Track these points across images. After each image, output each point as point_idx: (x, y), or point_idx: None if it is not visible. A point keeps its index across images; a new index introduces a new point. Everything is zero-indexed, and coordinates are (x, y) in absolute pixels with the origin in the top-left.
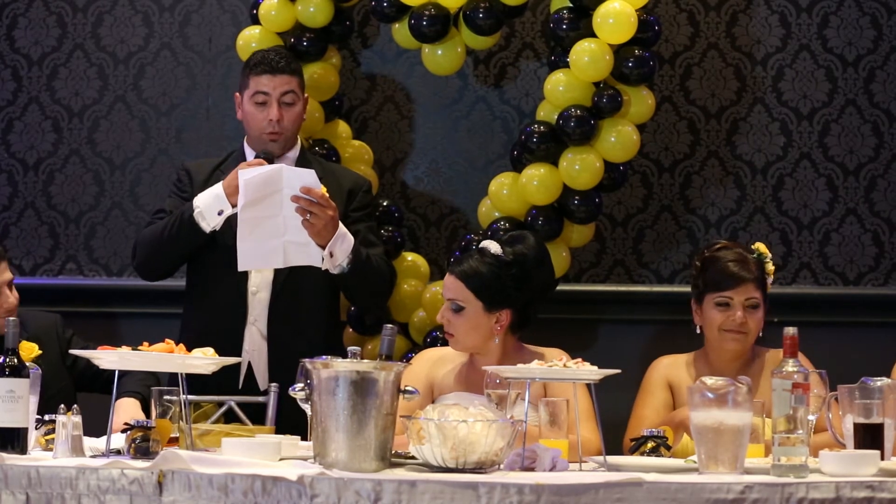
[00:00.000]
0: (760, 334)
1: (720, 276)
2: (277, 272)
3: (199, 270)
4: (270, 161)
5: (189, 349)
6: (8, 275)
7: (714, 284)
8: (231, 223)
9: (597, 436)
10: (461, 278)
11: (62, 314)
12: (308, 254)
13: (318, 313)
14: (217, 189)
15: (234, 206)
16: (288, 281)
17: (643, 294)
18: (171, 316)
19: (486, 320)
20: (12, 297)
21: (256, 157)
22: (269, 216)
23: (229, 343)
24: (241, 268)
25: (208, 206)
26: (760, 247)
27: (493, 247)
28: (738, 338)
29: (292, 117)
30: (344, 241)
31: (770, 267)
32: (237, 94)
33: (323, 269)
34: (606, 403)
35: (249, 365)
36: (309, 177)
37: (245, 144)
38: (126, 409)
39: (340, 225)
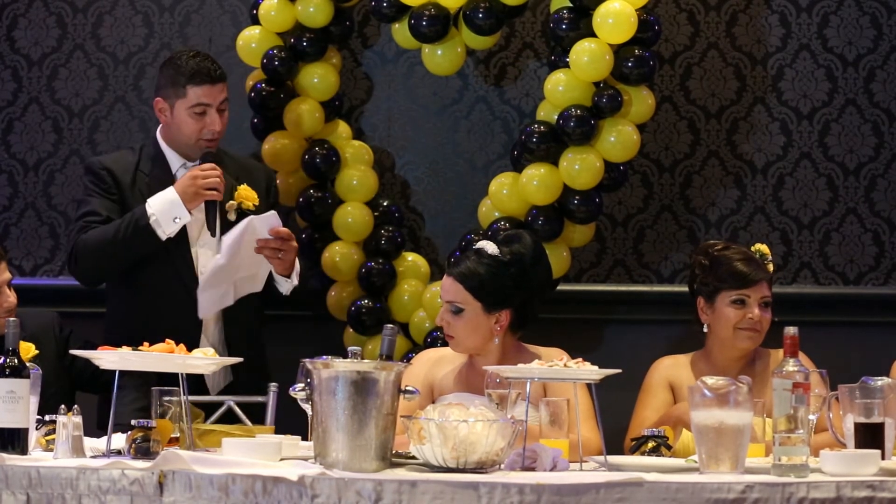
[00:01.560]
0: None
1: (736, 274)
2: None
3: (138, 273)
4: (219, 159)
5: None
6: (7, 275)
7: (730, 282)
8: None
9: (597, 435)
10: (459, 280)
11: (63, 315)
12: (253, 284)
13: (252, 311)
14: (171, 195)
15: (190, 212)
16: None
17: (643, 294)
18: None
19: (485, 321)
20: (12, 296)
21: (203, 160)
22: (229, 265)
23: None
24: (201, 315)
25: (164, 214)
26: (762, 248)
27: (489, 247)
28: (752, 336)
29: (225, 121)
30: (297, 262)
31: (770, 267)
32: (159, 98)
33: (283, 292)
34: (607, 403)
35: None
36: (273, 220)
37: (162, 143)
38: None
39: None
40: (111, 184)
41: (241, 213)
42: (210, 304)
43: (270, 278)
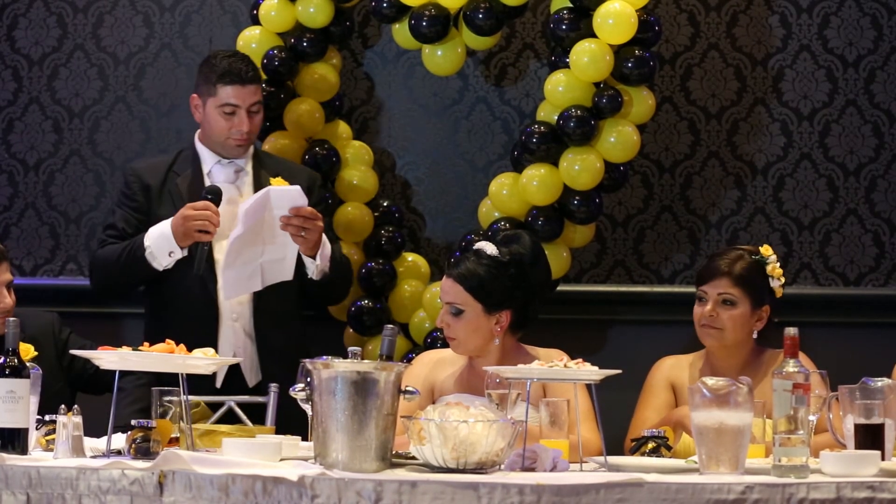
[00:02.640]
0: (755, 335)
1: (702, 270)
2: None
3: (160, 278)
4: (219, 198)
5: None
6: (8, 276)
7: (696, 279)
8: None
9: (597, 436)
10: (459, 281)
11: (63, 314)
12: (282, 271)
13: (296, 308)
14: (166, 229)
15: (182, 248)
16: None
17: (644, 295)
18: None
19: (486, 322)
20: (9, 298)
21: (205, 195)
22: (251, 242)
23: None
24: (224, 298)
25: (159, 248)
26: (764, 249)
27: (488, 248)
28: (711, 333)
29: (257, 123)
30: (325, 246)
31: (776, 270)
32: (195, 95)
33: (310, 275)
34: (608, 404)
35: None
36: (295, 194)
37: (198, 143)
38: None
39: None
40: (136, 191)
41: None
42: (234, 284)
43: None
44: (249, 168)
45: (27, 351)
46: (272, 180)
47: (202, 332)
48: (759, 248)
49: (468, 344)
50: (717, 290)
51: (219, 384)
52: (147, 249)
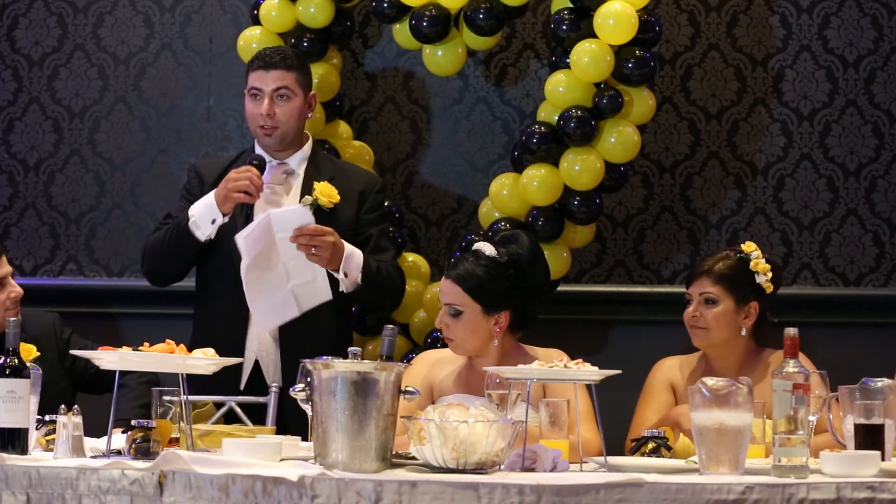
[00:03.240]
0: (745, 332)
1: (688, 273)
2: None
3: (203, 273)
4: (262, 165)
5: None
6: (8, 268)
7: (685, 282)
8: (228, 227)
9: (597, 436)
10: (457, 282)
11: (63, 315)
12: (316, 292)
13: (328, 312)
14: (209, 198)
15: (224, 214)
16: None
17: (644, 295)
18: (172, 316)
19: (485, 323)
20: (17, 287)
21: (249, 163)
22: (270, 268)
23: (234, 344)
24: (261, 328)
25: (202, 216)
26: (747, 245)
27: (487, 248)
28: (696, 333)
29: (287, 112)
30: (353, 258)
31: (760, 265)
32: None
33: (341, 289)
34: (608, 404)
35: (256, 364)
36: (299, 215)
37: (256, 145)
38: None
39: (346, 244)
40: (195, 185)
41: (317, 210)
42: (268, 314)
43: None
44: (302, 171)
45: (29, 351)
46: (316, 185)
47: (231, 332)
48: (742, 244)
49: (467, 345)
50: (699, 289)
51: (242, 385)
52: (191, 219)
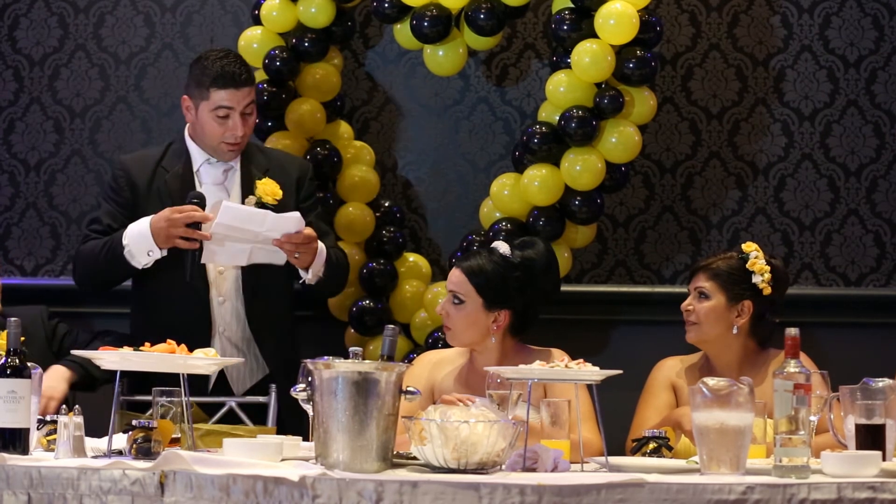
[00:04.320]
0: (735, 330)
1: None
2: (242, 279)
3: (151, 274)
4: (202, 203)
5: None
6: None
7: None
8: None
9: (597, 437)
10: (466, 273)
11: (64, 314)
12: (272, 254)
13: (288, 310)
14: (144, 229)
15: (161, 249)
16: (256, 285)
17: (645, 295)
18: None
19: (483, 317)
20: None
21: (189, 201)
22: (242, 239)
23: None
24: (204, 260)
25: (137, 248)
26: (746, 245)
27: (502, 247)
28: (688, 327)
29: (251, 126)
30: (320, 256)
31: (757, 265)
32: (186, 97)
33: (301, 282)
34: (609, 404)
35: (221, 372)
36: (293, 223)
37: (188, 139)
38: (52, 376)
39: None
40: (123, 186)
41: (263, 208)
42: (215, 254)
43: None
44: (238, 165)
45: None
46: (258, 184)
47: (195, 341)
48: (743, 245)
49: (463, 336)
50: (695, 284)
51: (209, 389)
52: (125, 248)
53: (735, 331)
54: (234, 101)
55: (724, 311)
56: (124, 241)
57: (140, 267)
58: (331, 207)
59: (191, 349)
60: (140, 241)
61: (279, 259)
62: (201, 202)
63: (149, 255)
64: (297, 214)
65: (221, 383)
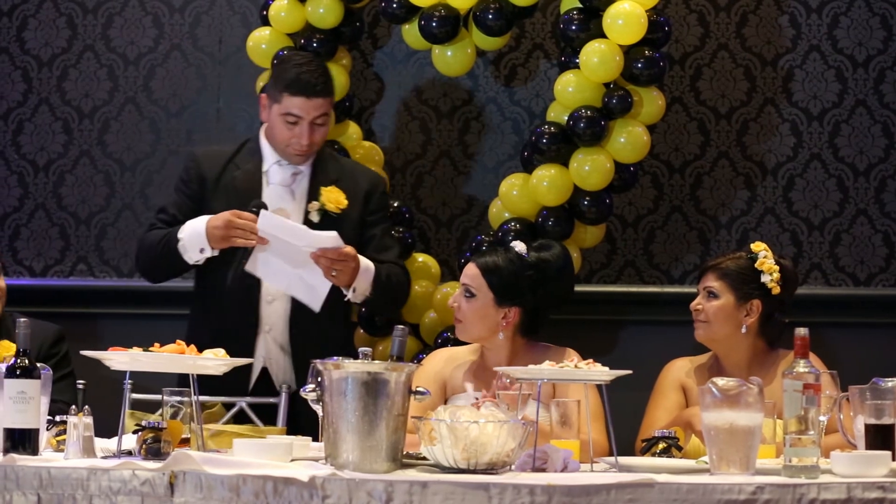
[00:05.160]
0: (744, 329)
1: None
2: None
3: (208, 273)
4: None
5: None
6: None
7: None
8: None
9: (604, 437)
10: (480, 268)
11: (72, 316)
12: (312, 295)
13: (337, 319)
14: (200, 227)
15: (214, 249)
16: None
17: (654, 295)
18: (183, 317)
19: (493, 313)
20: (2, 281)
21: (251, 209)
22: (283, 254)
23: (240, 349)
24: (248, 268)
25: (191, 243)
26: (755, 245)
27: (519, 246)
28: (697, 326)
29: (322, 135)
30: (366, 273)
31: (766, 265)
32: (264, 95)
33: (347, 299)
34: (619, 405)
35: (264, 369)
36: (330, 241)
37: (262, 139)
38: None
39: (362, 260)
40: (193, 178)
41: (325, 215)
42: (261, 266)
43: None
44: (308, 171)
45: (9, 349)
46: (323, 191)
47: (241, 339)
48: (753, 245)
49: (472, 329)
50: (704, 284)
51: (250, 388)
52: (180, 242)
53: (744, 330)
54: (304, 111)
55: (733, 310)
56: (180, 235)
57: (191, 263)
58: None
59: (236, 347)
60: (194, 238)
61: (315, 302)
62: (262, 210)
63: (201, 251)
64: (334, 233)
65: (266, 383)
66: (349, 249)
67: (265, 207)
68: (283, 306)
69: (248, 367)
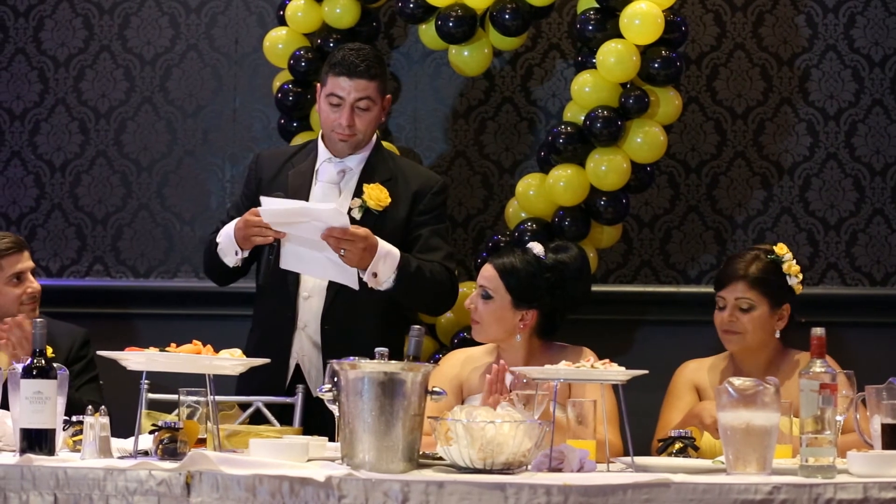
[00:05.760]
0: (778, 335)
1: (718, 275)
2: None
3: (260, 270)
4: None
5: (252, 350)
6: (30, 263)
7: (714, 284)
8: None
9: (618, 438)
10: (497, 269)
11: (89, 316)
12: (345, 274)
13: (373, 319)
14: (230, 229)
15: (244, 249)
16: (342, 287)
17: (670, 295)
18: (198, 317)
19: (510, 315)
20: (35, 283)
21: (276, 194)
22: (306, 241)
23: (279, 346)
24: (282, 266)
25: (227, 246)
26: (779, 248)
27: (536, 248)
28: (732, 339)
29: (366, 122)
30: (387, 259)
31: (793, 267)
32: (318, 83)
33: (370, 287)
34: (636, 405)
35: (298, 367)
36: (330, 216)
37: (320, 138)
38: None
39: (382, 244)
40: (251, 179)
41: (367, 212)
42: (293, 259)
43: None
44: (359, 170)
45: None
46: (366, 188)
47: (282, 336)
48: (774, 246)
49: (489, 331)
50: (734, 294)
51: (286, 386)
52: (218, 245)
53: (777, 335)
54: (345, 90)
55: (768, 318)
56: (218, 239)
57: (231, 265)
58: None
59: (277, 345)
60: (227, 242)
61: (351, 280)
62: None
63: (236, 254)
64: (333, 206)
65: (299, 381)
66: (355, 228)
67: (280, 195)
68: (317, 303)
69: (285, 364)
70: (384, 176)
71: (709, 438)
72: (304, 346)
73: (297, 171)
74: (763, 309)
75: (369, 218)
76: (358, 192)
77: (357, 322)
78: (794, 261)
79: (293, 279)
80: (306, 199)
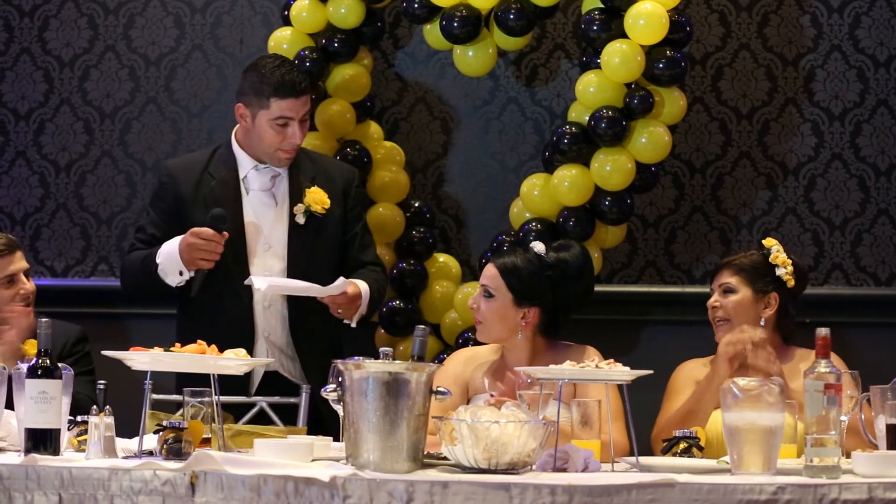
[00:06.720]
0: (762, 322)
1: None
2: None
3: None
4: (224, 223)
5: None
6: (23, 264)
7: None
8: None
9: (625, 437)
10: (499, 269)
11: (94, 316)
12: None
13: (329, 318)
14: (174, 249)
15: (190, 271)
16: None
17: (675, 295)
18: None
19: (513, 313)
20: (29, 284)
21: (208, 225)
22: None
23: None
24: (248, 282)
25: (169, 267)
26: (766, 241)
27: (538, 246)
28: (719, 326)
29: (306, 132)
30: (365, 299)
31: (780, 258)
32: (241, 104)
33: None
34: (640, 404)
35: (265, 374)
36: (339, 290)
37: (235, 145)
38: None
39: (361, 287)
40: (168, 194)
41: (310, 216)
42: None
43: None
44: (286, 173)
45: (35, 345)
46: (307, 193)
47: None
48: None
49: (492, 330)
50: (719, 281)
51: (253, 389)
52: (158, 266)
53: (762, 323)
54: (294, 111)
55: (752, 303)
56: (158, 260)
57: (174, 286)
58: (367, 205)
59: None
60: (170, 262)
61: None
62: (222, 224)
63: (180, 274)
64: (341, 281)
65: (270, 386)
66: (354, 290)
67: (224, 217)
68: (277, 309)
69: (249, 373)
70: (309, 175)
71: (715, 435)
72: (271, 352)
73: (219, 181)
74: (745, 293)
75: (312, 221)
76: (293, 197)
77: (320, 322)
78: (783, 253)
79: (246, 290)
80: (239, 210)
